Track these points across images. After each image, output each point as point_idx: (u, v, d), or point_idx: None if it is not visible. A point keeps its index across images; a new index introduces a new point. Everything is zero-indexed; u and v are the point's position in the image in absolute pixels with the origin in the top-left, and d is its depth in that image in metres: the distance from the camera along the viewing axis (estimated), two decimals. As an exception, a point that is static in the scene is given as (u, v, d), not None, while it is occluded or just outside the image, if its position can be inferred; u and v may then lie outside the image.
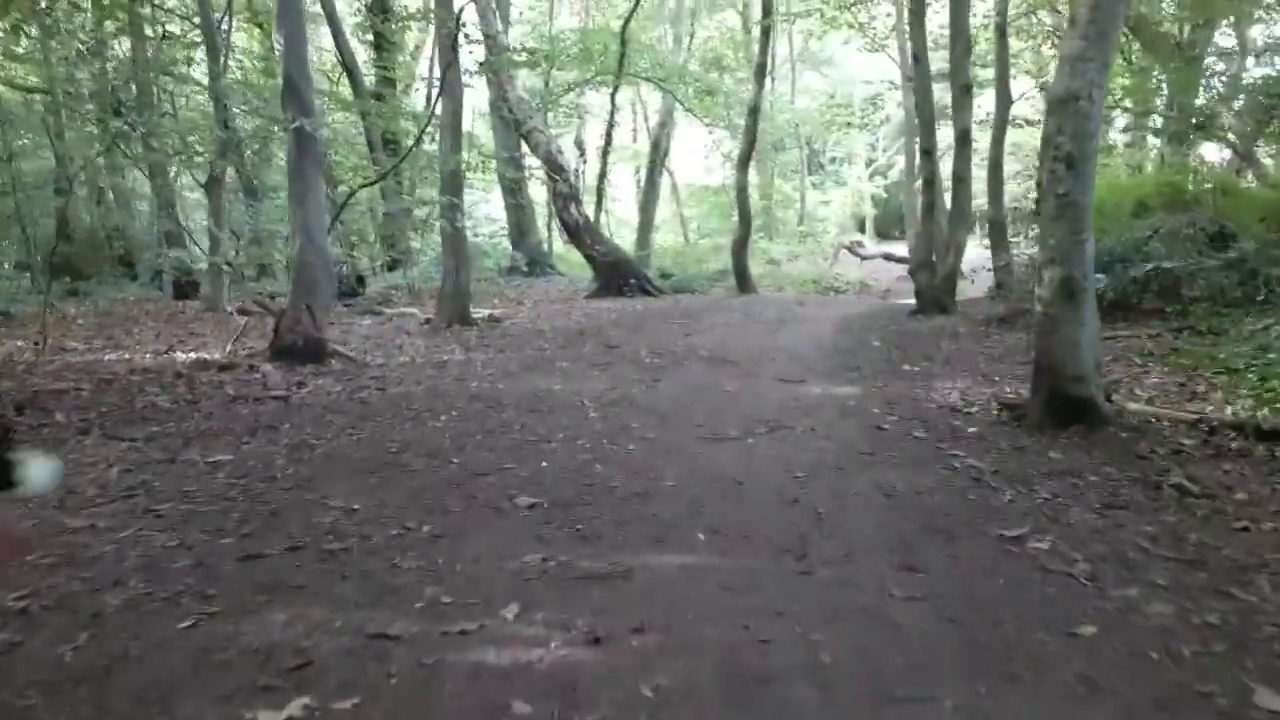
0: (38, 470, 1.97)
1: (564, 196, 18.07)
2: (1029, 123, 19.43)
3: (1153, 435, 5.22)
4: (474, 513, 4.10)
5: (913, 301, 16.54)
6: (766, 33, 17.96)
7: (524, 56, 18.09)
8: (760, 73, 17.72)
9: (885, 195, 40.24)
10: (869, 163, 40.75)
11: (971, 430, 5.64)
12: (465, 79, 13.54)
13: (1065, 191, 5.09)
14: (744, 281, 18.00)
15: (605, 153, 22.04)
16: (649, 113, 35.37)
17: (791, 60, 35.06)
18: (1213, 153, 21.48)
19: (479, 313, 14.12)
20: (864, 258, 27.98)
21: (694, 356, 9.47)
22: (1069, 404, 5.35)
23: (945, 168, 16.06)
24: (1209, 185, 16.37)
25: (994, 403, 6.33)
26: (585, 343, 11.01)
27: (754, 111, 17.51)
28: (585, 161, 32.18)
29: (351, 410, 6.77)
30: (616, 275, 17.90)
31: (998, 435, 5.46)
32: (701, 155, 39.69)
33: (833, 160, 41.19)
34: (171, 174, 18.99)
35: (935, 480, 4.53)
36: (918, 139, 22.49)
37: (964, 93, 12.26)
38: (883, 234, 40.34)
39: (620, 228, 38.60)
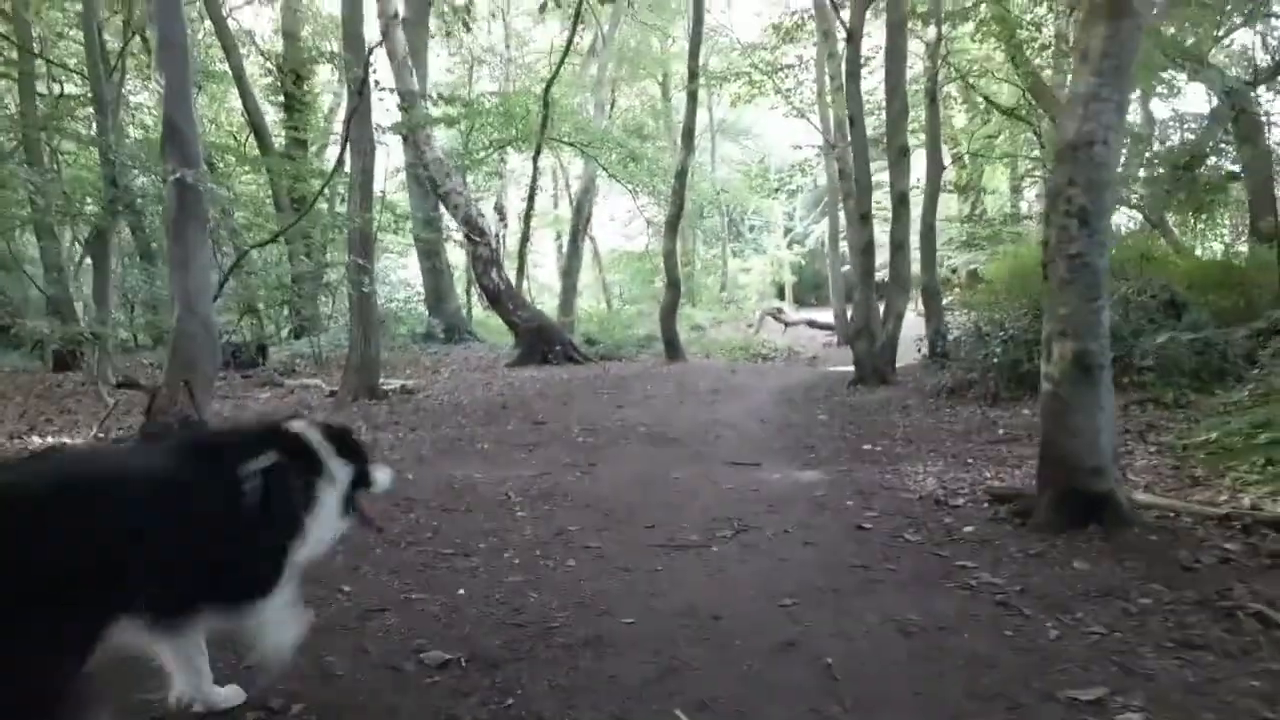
0: (382, 475, 2.94)
1: (484, 260, 17.08)
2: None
3: (1184, 537, 4.40)
4: (363, 677, 2.98)
5: (848, 369, 15.98)
6: (694, 96, 17.46)
7: (440, 112, 17.13)
8: (688, 136, 17.16)
9: (803, 263, 40.39)
10: (786, 231, 40.92)
11: (968, 530, 4.75)
12: (377, 135, 12.53)
13: (1078, 252, 4.31)
14: (673, 348, 17.18)
15: (528, 216, 21.19)
16: (570, 179, 34.92)
17: (711, 130, 35.07)
18: (1117, 220, 21.95)
19: (391, 384, 12.92)
20: (788, 324, 27.60)
21: (632, 434, 8.48)
22: (1084, 501, 4.50)
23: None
24: (1135, 253, 16.40)
25: (982, 494, 5.48)
26: (509, 418, 9.94)
27: (681, 175, 16.91)
28: (506, 227, 31.32)
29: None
30: (540, 342, 16.90)
31: (1002, 537, 4.57)
32: (623, 222, 39.46)
33: (751, 229, 41.18)
34: (67, 238, 17.46)
35: (954, 607, 3.60)
36: (841, 205, 22.37)
37: (901, 155, 11.80)
38: (800, 301, 40.37)
39: (542, 293, 37.70)
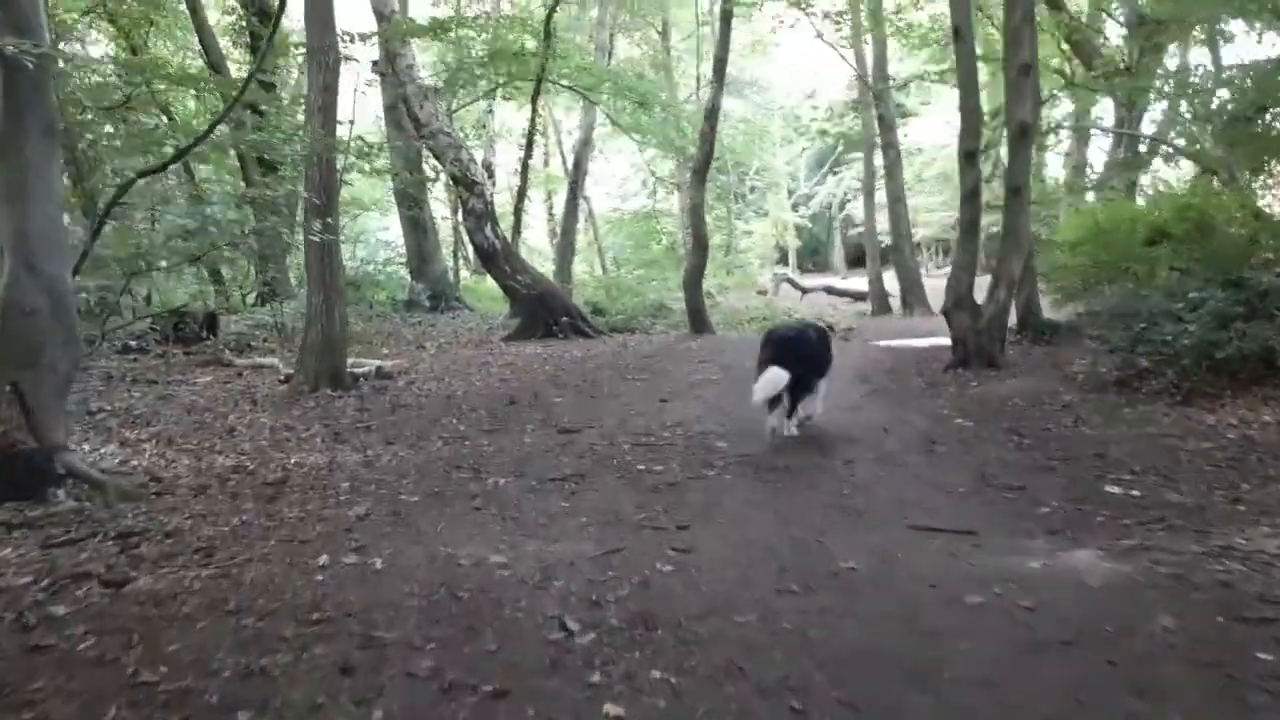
0: None
1: (477, 215, 14.04)
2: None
3: None
4: None
5: (918, 344, 13.13)
6: (727, 19, 14.36)
7: (427, 20, 13.95)
8: (720, 67, 14.05)
9: (811, 226, 37.52)
10: (790, 193, 37.96)
11: None
12: (344, 46, 9.44)
13: None
14: (699, 320, 14.26)
15: (525, 165, 18.06)
16: (562, 134, 31.66)
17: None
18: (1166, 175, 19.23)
19: (363, 365, 9.95)
20: (805, 290, 24.75)
21: (710, 454, 5.62)
22: None
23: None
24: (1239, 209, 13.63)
25: None
26: (522, 420, 7.03)
27: (712, 114, 13.88)
28: (494, 186, 27.98)
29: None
30: (543, 311, 13.93)
31: None
32: (619, 181, 36.27)
33: (753, 190, 38.09)
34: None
35: None
36: (881, 154, 19.44)
37: (1023, 74, 8.87)
38: (800, 268, 37.50)
39: (532, 257, 34.51)
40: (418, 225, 19.07)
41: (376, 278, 18.91)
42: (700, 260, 14.28)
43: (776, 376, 5.63)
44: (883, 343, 13.77)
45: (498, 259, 14.02)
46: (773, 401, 5.77)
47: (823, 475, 5.02)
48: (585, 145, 21.67)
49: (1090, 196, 27.53)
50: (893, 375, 9.41)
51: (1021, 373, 8.71)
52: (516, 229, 17.74)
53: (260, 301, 17.85)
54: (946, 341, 13.47)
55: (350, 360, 9.98)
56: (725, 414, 7.13)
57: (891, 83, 17.29)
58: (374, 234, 26.50)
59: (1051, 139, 30.57)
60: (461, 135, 15.08)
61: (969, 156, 9.33)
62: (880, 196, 20.38)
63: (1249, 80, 18.19)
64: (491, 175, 26.31)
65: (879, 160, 19.82)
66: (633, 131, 20.40)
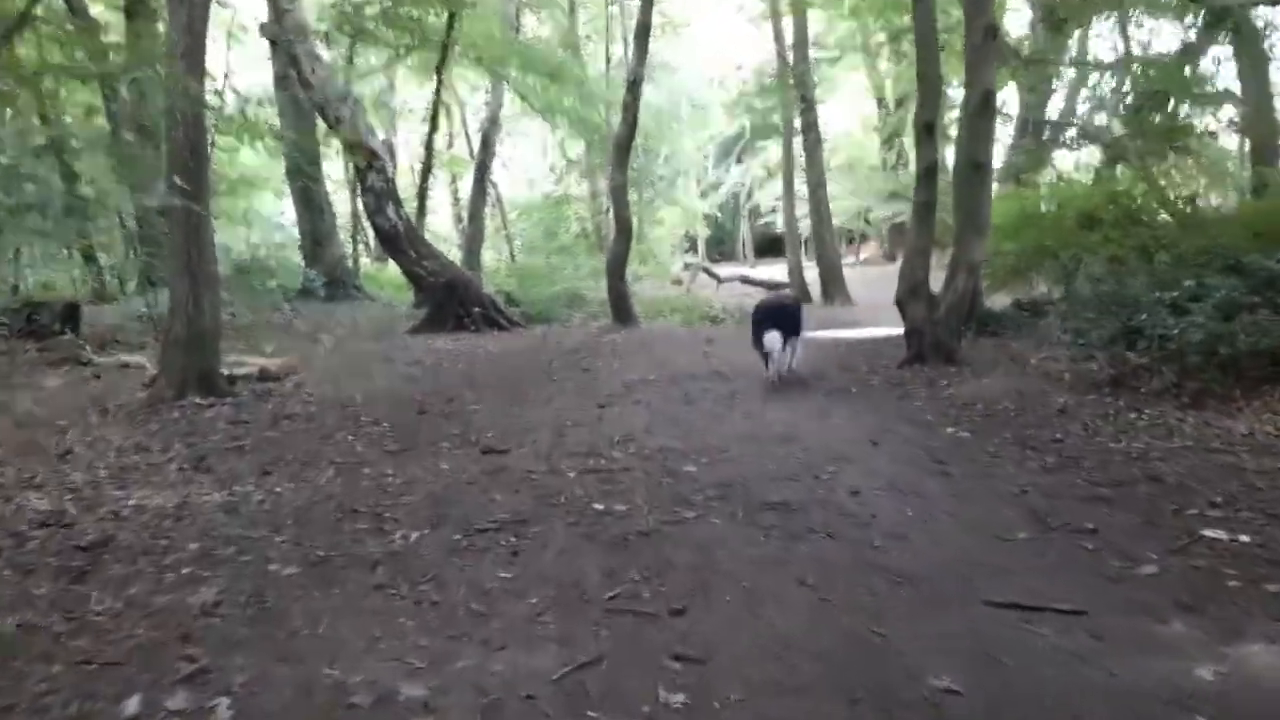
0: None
1: (377, 193, 12.41)
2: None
3: None
4: None
5: (851, 336, 12.21)
6: (652, -22, 13.09)
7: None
8: (643, 35, 12.78)
9: (719, 215, 36.63)
10: (698, 181, 36.95)
11: None
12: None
13: None
14: (623, 311, 13.00)
15: (430, 141, 16.38)
16: (468, 114, 29.78)
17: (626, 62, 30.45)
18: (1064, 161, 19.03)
19: (244, 365, 8.38)
20: (721, 280, 23.78)
21: (680, 480, 4.41)
22: None
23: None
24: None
25: None
26: (436, 436, 5.66)
27: (636, 84, 12.59)
28: (396, 167, 25.96)
29: None
30: (453, 301, 12.45)
31: None
32: (525, 167, 34.58)
33: (661, 177, 36.93)
34: None
35: None
36: (801, 138, 18.46)
37: (988, 37, 7.90)
38: (709, 256, 36.60)
39: (438, 243, 32.59)
40: (311, 204, 17.20)
41: (268, 263, 17.03)
42: (624, 247, 13.00)
43: (773, 339, 7.29)
44: (817, 333, 12.81)
45: (401, 242, 12.43)
46: (766, 357, 7.47)
47: (832, 514, 3.84)
48: (493, 124, 20.05)
49: (995, 185, 27.43)
50: (847, 372, 8.37)
51: (984, 369, 7.76)
52: (421, 211, 16.10)
53: (141, 289, 15.71)
54: (884, 332, 12.64)
55: (231, 359, 8.40)
56: (678, 424, 5.92)
57: (813, 58, 16.26)
58: (272, 218, 24.31)
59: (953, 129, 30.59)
60: (357, 102, 13.34)
61: (927, 129, 8.34)
62: (800, 185, 19.46)
63: (1152, 71, 18.09)
64: (393, 155, 24.32)
65: (798, 144, 18.91)
66: (544, 110, 18.93)
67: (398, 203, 12.60)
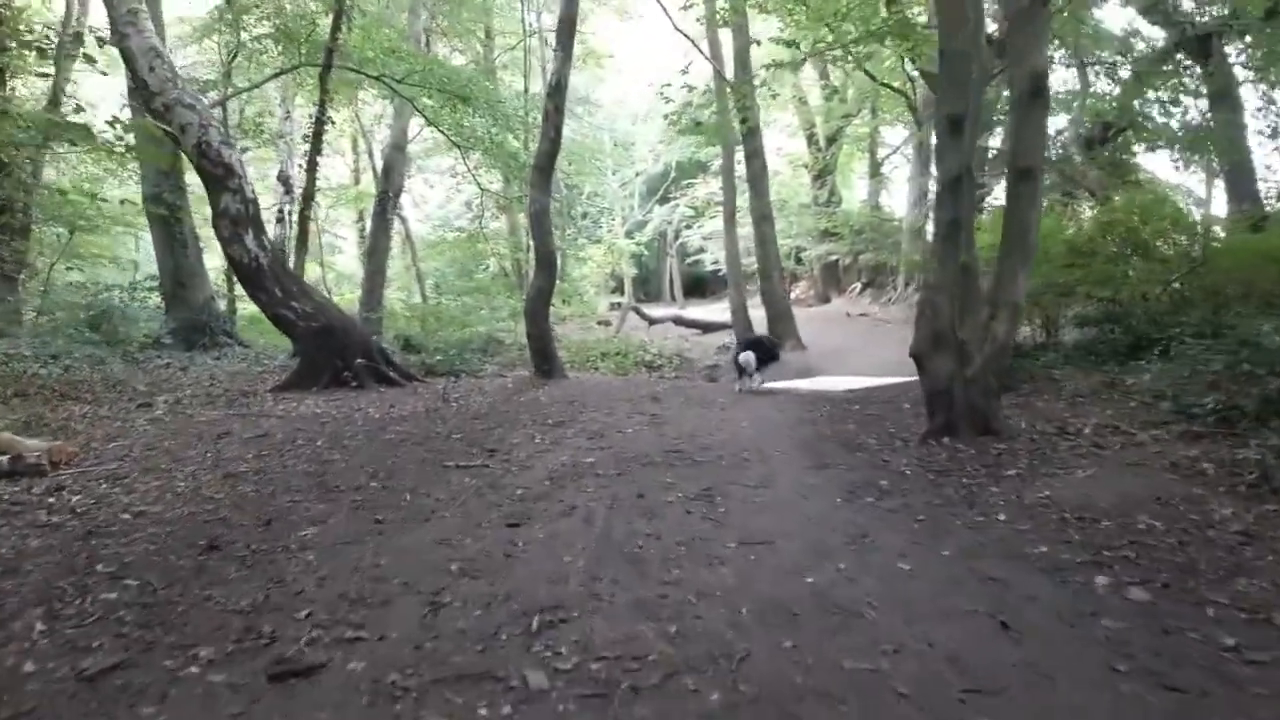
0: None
1: (233, 219, 9.59)
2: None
3: None
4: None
5: (833, 388, 9.91)
6: (578, -34, 10.72)
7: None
8: (567, 30, 10.34)
9: (645, 253, 34.41)
10: (624, 219, 34.75)
11: None
12: None
13: None
14: (546, 359, 10.42)
15: (313, 162, 13.48)
16: (374, 144, 26.86)
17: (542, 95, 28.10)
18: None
19: (26, 446, 5.58)
20: (653, 322, 21.44)
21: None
22: None
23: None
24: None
25: None
26: (216, 612, 2.97)
27: (558, 90, 10.13)
28: (293, 200, 22.81)
29: None
30: (330, 351, 9.71)
31: None
32: (437, 204, 31.82)
33: (584, 215, 34.56)
34: None
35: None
36: (744, 164, 16.23)
37: (1036, 5, 5.74)
38: (635, 296, 34.32)
39: (342, 284, 29.44)
40: (174, 239, 14.20)
41: (124, 310, 13.97)
42: (547, 282, 10.44)
43: (747, 356, 9.79)
44: (780, 385, 10.47)
45: (263, 279, 9.61)
46: (740, 374, 9.79)
47: None
48: (397, 150, 17.39)
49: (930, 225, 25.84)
50: (856, 451, 5.96)
51: (1043, 447, 5.48)
52: (302, 243, 13.26)
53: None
54: (859, 383, 10.36)
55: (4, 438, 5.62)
56: (640, 566, 3.40)
57: (760, 76, 14.12)
58: (130, 258, 21.10)
59: (888, 166, 29.00)
60: (209, 108, 10.55)
61: (953, 125, 6.08)
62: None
63: (1109, 103, 16.66)
64: (289, 190, 21.22)
65: (740, 171, 16.77)
66: (454, 134, 16.34)
67: (260, 231, 9.80)
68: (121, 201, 12.92)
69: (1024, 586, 3.08)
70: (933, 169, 23.93)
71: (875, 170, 28.88)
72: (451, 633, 2.80)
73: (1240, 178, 13.99)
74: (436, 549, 3.74)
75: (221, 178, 9.61)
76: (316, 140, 13.27)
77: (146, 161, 13.47)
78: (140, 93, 10.07)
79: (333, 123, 14.77)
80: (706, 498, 4.60)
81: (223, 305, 16.10)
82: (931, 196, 23.71)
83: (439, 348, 12.38)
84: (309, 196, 13.40)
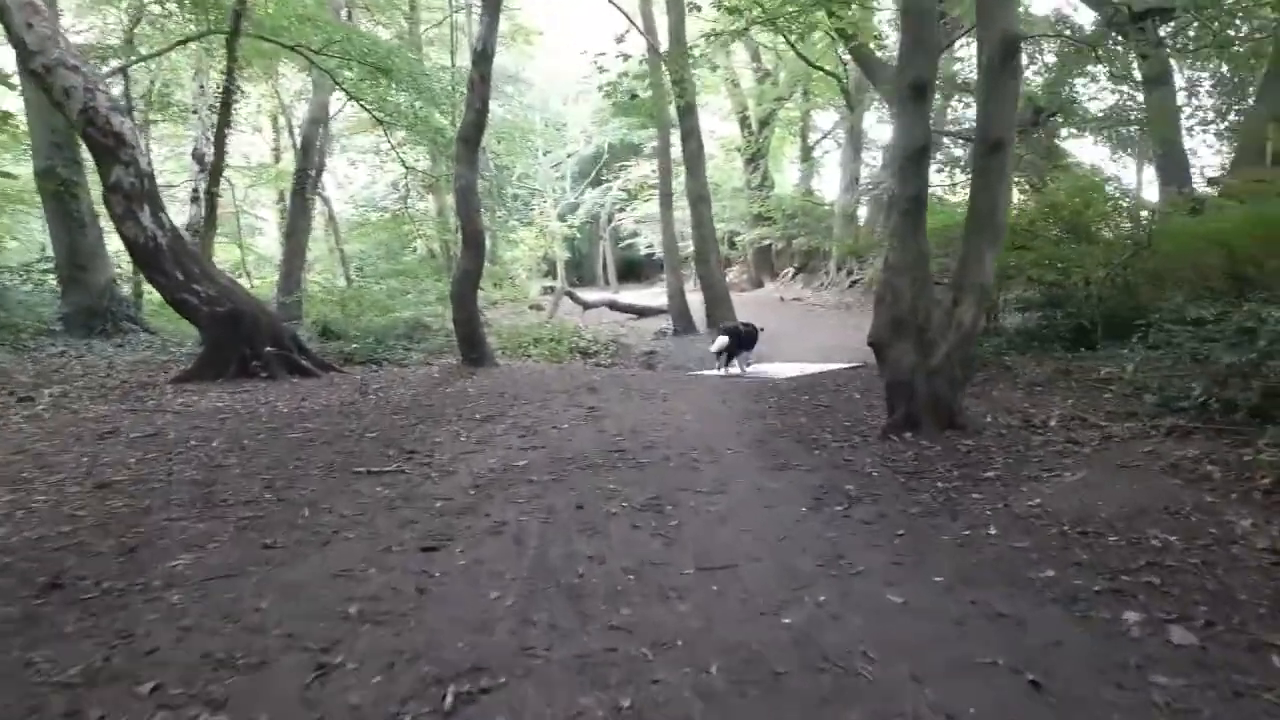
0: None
1: (126, 193, 8.59)
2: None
3: None
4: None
5: (778, 374, 9.41)
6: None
7: None
8: (494, -5, 9.56)
9: (578, 236, 33.61)
10: (555, 202, 33.83)
11: None
12: None
13: None
14: (474, 346, 9.70)
15: (220, 135, 12.33)
16: (294, 122, 25.42)
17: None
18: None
19: None
20: (587, 306, 20.76)
21: None
22: None
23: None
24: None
25: None
26: (47, 666, 2.23)
27: (485, 57, 9.34)
28: (205, 176, 21.31)
29: None
30: (238, 339, 8.81)
31: None
32: (361, 185, 30.40)
33: (515, 197, 33.50)
34: None
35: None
36: (681, 143, 15.57)
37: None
38: (567, 280, 33.51)
39: (263, 266, 27.86)
40: (70, 217, 12.91)
41: (14, 293, 12.75)
42: (474, 263, 9.68)
43: (722, 340, 10.77)
44: (718, 372, 9.94)
45: (161, 260, 8.64)
46: (720, 357, 10.75)
47: None
48: (316, 125, 16.30)
49: (862, 210, 25.61)
50: (815, 449, 5.44)
51: (1014, 442, 5.05)
52: (209, 222, 12.20)
53: None
54: (805, 369, 9.91)
55: None
56: (579, 602, 2.79)
57: (698, 46, 13.47)
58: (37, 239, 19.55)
59: (819, 150, 28.69)
60: (99, 71, 9.47)
61: (915, 92, 5.56)
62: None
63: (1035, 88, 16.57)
64: (203, 167, 19.83)
65: (676, 152, 16.15)
66: (376, 109, 15.34)
67: (158, 207, 8.81)
68: (2, 174, 11.59)
69: (1041, 626, 2.57)
70: (864, 151, 23.48)
71: (807, 155, 28.64)
72: (340, 712, 2.14)
73: (1172, 162, 13.97)
74: (333, 584, 3.06)
75: (112, 148, 8.59)
76: (225, 111, 12.16)
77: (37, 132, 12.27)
78: (18, 52, 8.95)
79: (243, 93, 13.68)
80: (655, 508, 4.01)
81: (128, 289, 14.86)
82: (863, 182, 23.42)
83: (359, 334, 11.50)
84: (217, 172, 12.32)
